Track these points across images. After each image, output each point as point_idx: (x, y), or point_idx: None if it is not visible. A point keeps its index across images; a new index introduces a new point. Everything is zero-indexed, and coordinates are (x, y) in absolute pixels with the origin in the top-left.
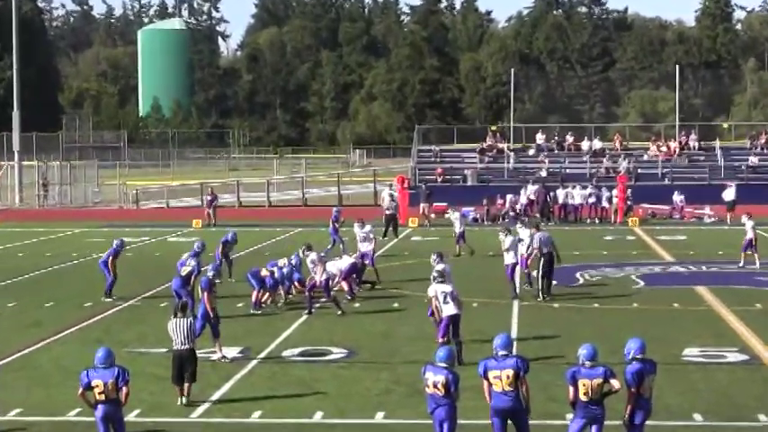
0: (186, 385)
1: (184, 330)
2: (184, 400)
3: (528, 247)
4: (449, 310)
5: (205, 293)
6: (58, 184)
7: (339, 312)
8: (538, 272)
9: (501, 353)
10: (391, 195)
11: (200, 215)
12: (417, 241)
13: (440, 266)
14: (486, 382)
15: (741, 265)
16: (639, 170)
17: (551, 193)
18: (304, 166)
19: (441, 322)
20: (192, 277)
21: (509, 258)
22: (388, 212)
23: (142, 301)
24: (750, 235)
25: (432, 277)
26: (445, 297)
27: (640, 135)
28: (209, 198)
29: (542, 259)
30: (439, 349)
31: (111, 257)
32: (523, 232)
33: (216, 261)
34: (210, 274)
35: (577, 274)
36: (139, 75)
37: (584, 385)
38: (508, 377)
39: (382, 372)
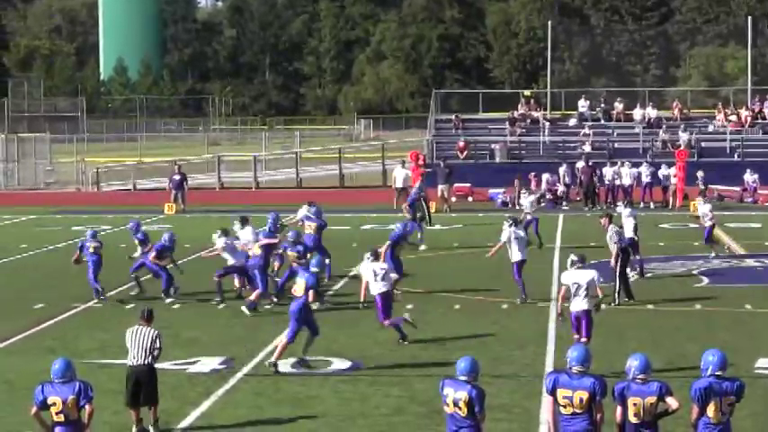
0: (151, 410)
1: (145, 342)
2: (147, 428)
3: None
4: (377, 288)
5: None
6: (3, 161)
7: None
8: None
9: (576, 369)
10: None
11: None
12: (435, 230)
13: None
14: (551, 401)
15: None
16: (703, 144)
17: (598, 172)
18: (298, 140)
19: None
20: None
21: (516, 255)
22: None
23: (103, 302)
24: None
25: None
26: (378, 275)
27: (705, 101)
28: (176, 178)
29: (621, 255)
30: (459, 360)
31: (157, 252)
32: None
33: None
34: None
35: (628, 270)
36: (100, 30)
37: (634, 404)
38: (581, 400)
39: (393, 387)
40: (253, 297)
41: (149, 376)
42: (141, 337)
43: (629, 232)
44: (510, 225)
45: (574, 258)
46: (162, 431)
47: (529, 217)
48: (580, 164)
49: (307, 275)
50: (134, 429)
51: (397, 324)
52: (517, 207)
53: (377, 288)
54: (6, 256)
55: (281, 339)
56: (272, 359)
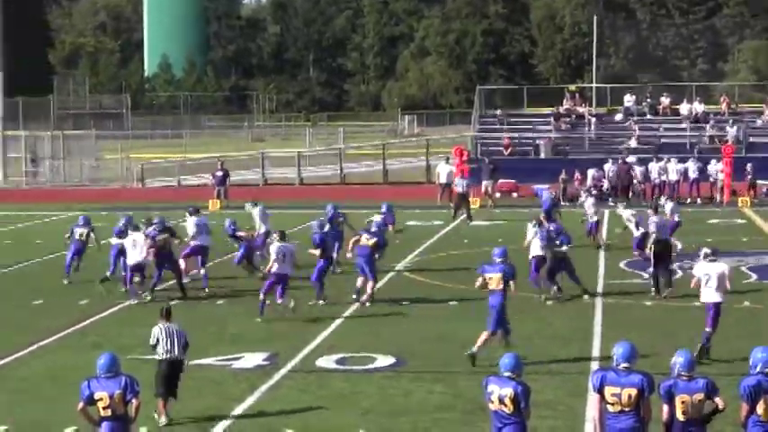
0: (171, 402)
1: (179, 337)
2: (163, 419)
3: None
4: (281, 269)
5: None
6: (49, 158)
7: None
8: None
9: (623, 366)
10: (462, 172)
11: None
12: (479, 226)
13: None
14: (598, 399)
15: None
16: (751, 139)
17: (634, 169)
18: (342, 137)
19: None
20: None
21: (535, 250)
22: (459, 191)
23: (145, 299)
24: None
25: None
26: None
27: (753, 96)
28: (219, 174)
29: (655, 247)
30: (504, 356)
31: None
32: (625, 212)
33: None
34: None
35: (675, 266)
36: (145, 27)
37: (682, 402)
38: (630, 397)
39: (437, 383)
40: (369, 291)
41: (178, 370)
42: (172, 333)
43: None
44: (534, 225)
45: (707, 251)
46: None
47: (593, 220)
48: (607, 165)
49: (504, 268)
50: (163, 419)
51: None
52: (584, 211)
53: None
54: (51, 253)
55: (485, 333)
56: (473, 349)
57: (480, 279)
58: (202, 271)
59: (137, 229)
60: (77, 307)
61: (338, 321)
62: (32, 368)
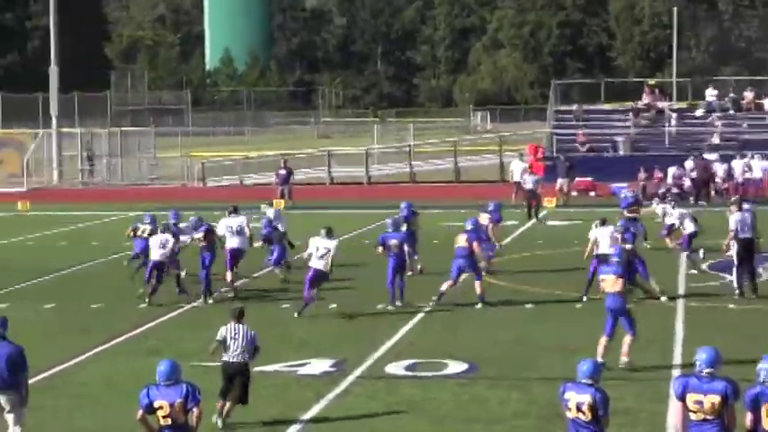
0: (229, 404)
1: (245, 340)
2: (219, 422)
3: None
4: (315, 264)
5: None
6: (106, 156)
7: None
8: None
9: (706, 371)
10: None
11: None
12: (554, 226)
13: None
14: (680, 406)
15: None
16: None
17: (714, 166)
18: (412, 133)
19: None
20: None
21: (602, 249)
22: (528, 188)
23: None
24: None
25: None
26: (325, 252)
27: None
28: (282, 172)
29: (737, 246)
30: (581, 363)
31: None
32: (673, 212)
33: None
34: None
35: (760, 269)
36: (205, 20)
37: None
38: (713, 404)
39: (512, 390)
40: (478, 290)
41: (244, 373)
42: (239, 334)
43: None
44: (596, 226)
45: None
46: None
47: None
48: (688, 163)
49: (618, 269)
50: (216, 419)
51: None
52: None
53: (316, 264)
54: (108, 255)
55: (626, 338)
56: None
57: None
58: (228, 276)
59: (166, 228)
60: (136, 311)
61: (408, 326)
62: (89, 374)
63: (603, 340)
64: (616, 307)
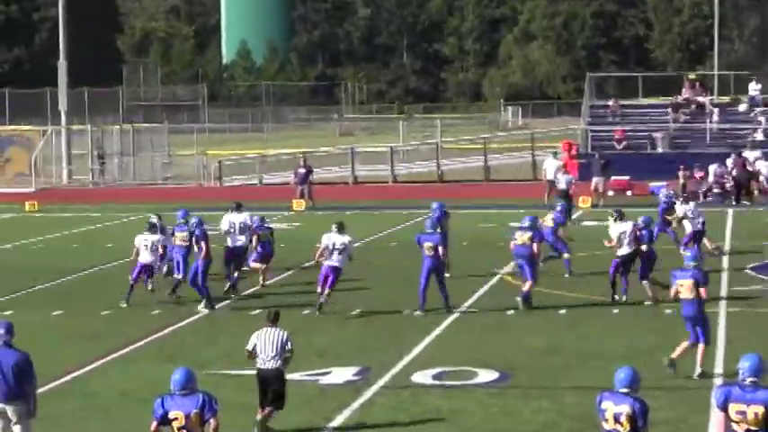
0: (268, 409)
1: (275, 345)
2: (258, 417)
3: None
4: (331, 260)
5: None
6: (118, 154)
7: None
8: None
9: (750, 380)
10: (564, 166)
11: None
12: (589, 227)
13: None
14: (722, 416)
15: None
16: None
17: (753, 164)
18: (439, 130)
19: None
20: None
21: (623, 249)
22: (561, 187)
23: (227, 306)
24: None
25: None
26: (342, 249)
27: None
28: (301, 171)
29: None
30: (619, 371)
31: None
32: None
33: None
34: None
35: None
36: (222, 10)
37: None
38: (756, 415)
39: (544, 400)
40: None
41: (279, 379)
42: (270, 339)
43: None
44: (615, 220)
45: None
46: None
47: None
48: (731, 160)
49: (696, 273)
50: (258, 418)
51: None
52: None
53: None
54: (120, 258)
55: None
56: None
57: (673, 288)
58: (236, 274)
59: (158, 229)
60: (149, 317)
61: (435, 332)
62: (100, 383)
63: (686, 344)
64: (693, 315)
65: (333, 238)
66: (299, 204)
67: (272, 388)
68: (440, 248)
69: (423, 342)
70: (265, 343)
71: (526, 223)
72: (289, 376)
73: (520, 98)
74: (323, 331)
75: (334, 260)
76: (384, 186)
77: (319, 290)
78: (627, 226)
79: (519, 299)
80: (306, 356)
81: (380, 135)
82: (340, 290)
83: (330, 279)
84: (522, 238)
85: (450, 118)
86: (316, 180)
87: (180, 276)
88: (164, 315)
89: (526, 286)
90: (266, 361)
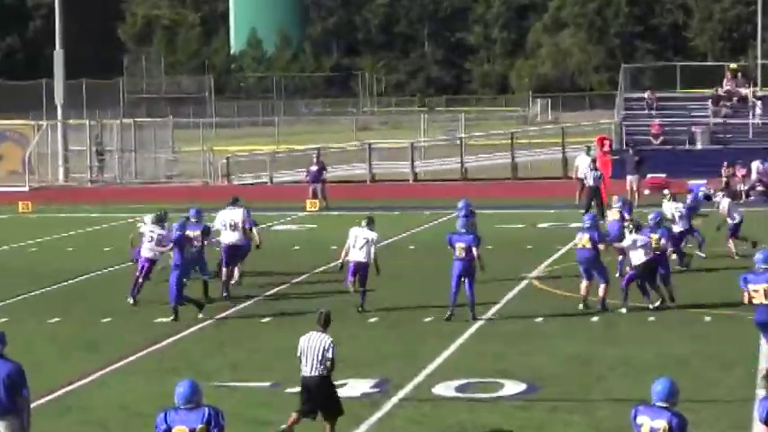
0: (327, 427)
1: (317, 351)
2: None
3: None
4: (355, 256)
5: None
6: (118, 150)
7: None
8: None
9: None
10: (594, 162)
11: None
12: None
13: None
14: (765, 431)
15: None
16: None
17: None
18: (463, 123)
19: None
20: None
21: (637, 259)
22: (590, 185)
23: (234, 315)
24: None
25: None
26: (364, 243)
27: None
28: (314, 169)
29: None
30: (656, 383)
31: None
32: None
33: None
34: None
35: None
36: None
37: None
38: None
39: (575, 413)
40: (601, 294)
41: (322, 388)
42: (313, 345)
43: None
44: (631, 231)
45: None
46: None
47: (734, 221)
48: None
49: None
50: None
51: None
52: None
53: (355, 256)
54: (121, 262)
55: None
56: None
57: (746, 294)
58: (236, 274)
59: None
60: (152, 325)
61: (459, 341)
62: (99, 396)
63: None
64: (763, 321)
65: (357, 233)
66: (311, 204)
67: (315, 396)
68: (474, 250)
69: (445, 351)
70: (309, 349)
71: (586, 223)
72: (299, 388)
73: (549, 90)
74: (337, 339)
75: (358, 255)
76: (403, 185)
77: (348, 285)
78: (641, 236)
79: (582, 306)
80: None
81: (400, 130)
82: (353, 295)
83: (360, 276)
84: (581, 240)
85: (474, 111)
86: (330, 178)
87: (206, 277)
88: (167, 324)
89: (601, 291)
90: (309, 368)
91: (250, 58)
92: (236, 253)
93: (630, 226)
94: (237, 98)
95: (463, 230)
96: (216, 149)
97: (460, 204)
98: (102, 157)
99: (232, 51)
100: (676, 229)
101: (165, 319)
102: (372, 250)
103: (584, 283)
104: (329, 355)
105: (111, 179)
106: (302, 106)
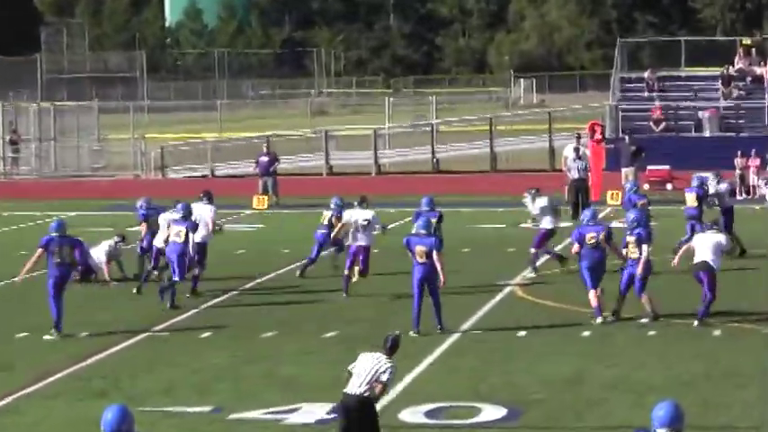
0: None
1: (370, 370)
2: None
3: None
4: (356, 239)
5: None
6: (36, 139)
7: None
8: None
9: None
10: (577, 151)
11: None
12: (617, 229)
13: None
14: None
15: None
16: None
17: None
18: (434, 108)
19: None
20: None
21: (546, 224)
22: (573, 177)
23: (169, 328)
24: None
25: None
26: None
27: None
28: (264, 160)
29: None
30: (658, 406)
31: None
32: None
33: None
34: None
35: None
36: None
37: None
38: None
39: None
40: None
41: (358, 411)
42: (370, 363)
43: None
44: (532, 198)
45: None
46: None
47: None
48: None
49: None
50: None
51: None
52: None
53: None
54: (40, 268)
55: None
56: None
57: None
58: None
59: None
60: (76, 341)
61: (428, 359)
62: (14, 425)
63: None
64: None
65: (355, 214)
66: (260, 201)
67: (354, 416)
68: (434, 255)
69: (413, 372)
70: (363, 363)
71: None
72: (248, 414)
73: (534, 69)
74: (290, 358)
75: (360, 239)
76: (365, 179)
77: (346, 272)
78: (542, 201)
79: (609, 317)
80: (269, 389)
81: (361, 115)
82: (309, 306)
83: (360, 260)
84: (592, 239)
85: (447, 94)
86: (282, 171)
87: (197, 271)
88: (93, 339)
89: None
90: (354, 385)
91: (188, 31)
92: (200, 251)
93: (531, 192)
94: (174, 78)
95: (423, 231)
96: (148, 137)
97: (423, 201)
98: (16, 146)
99: (167, 23)
100: None
101: (89, 333)
102: (371, 231)
103: (592, 293)
104: (383, 378)
105: (27, 172)
106: (249, 88)
